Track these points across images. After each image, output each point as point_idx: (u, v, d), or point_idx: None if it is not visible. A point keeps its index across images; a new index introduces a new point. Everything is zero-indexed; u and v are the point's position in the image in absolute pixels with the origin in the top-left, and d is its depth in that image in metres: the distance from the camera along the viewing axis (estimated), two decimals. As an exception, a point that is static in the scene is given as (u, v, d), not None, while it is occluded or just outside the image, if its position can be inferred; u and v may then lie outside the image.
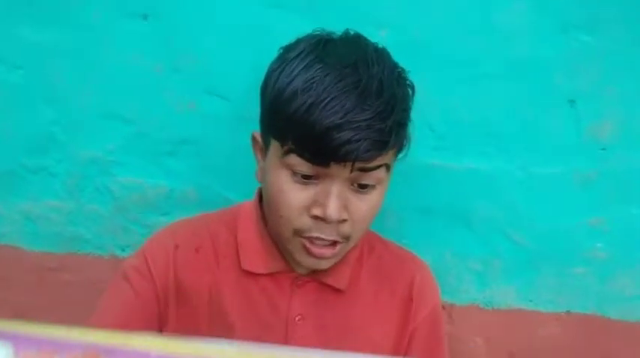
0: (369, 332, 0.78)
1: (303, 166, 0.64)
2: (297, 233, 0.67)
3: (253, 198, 0.79)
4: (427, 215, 0.96)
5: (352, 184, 0.66)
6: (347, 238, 0.68)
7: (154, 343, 0.41)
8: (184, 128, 0.94)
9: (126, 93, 0.93)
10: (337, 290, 0.77)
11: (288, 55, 0.67)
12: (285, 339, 0.74)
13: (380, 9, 0.87)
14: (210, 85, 0.92)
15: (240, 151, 0.93)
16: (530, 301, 0.99)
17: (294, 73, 0.64)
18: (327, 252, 0.68)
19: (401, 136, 0.67)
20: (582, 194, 0.92)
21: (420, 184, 0.93)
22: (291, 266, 0.75)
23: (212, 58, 0.91)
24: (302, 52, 0.66)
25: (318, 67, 0.63)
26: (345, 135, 0.60)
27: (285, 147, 0.64)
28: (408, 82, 0.70)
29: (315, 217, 0.65)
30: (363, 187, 0.66)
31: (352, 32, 0.71)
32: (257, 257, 0.75)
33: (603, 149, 0.90)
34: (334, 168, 0.63)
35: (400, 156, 0.71)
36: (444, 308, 1.00)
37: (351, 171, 0.63)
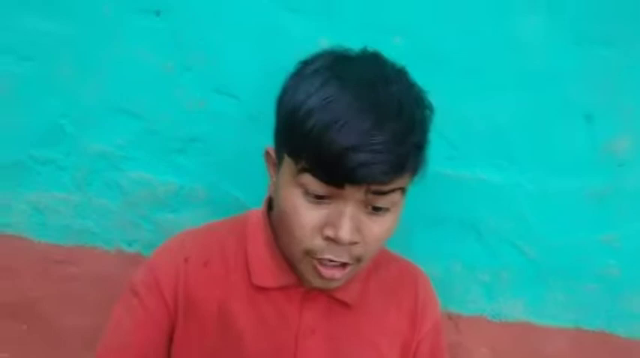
0: (378, 345, 0.78)
1: (316, 186, 0.62)
2: (309, 253, 0.66)
3: (262, 206, 0.77)
4: (437, 225, 0.95)
5: (366, 207, 0.64)
6: (358, 260, 0.66)
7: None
8: (194, 126, 0.94)
9: (136, 88, 0.93)
10: (346, 305, 0.76)
11: (305, 70, 0.65)
12: (295, 353, 0.74)
13: (394, 16, 0.85)
14: (221, 83, 0.91)
15: (249, 150, 0.92)
16: (539, 315, 0.98)
17: (311, 90, 0.62)
18: (337, 273, 0.66)
19: (418, 159, 0.65)
20: (596, 210, 0.91)
21: (430, 194, 0.91)
22: (301, 279, 0.74)
23: (223, 57, 0.90)
24: (319, 68, 0.64)
25: (336, 84, 0.61)
26: (362, 157, 0.58)
27: (299, 166, 0.62)
28: (426, 103, 0.67)
29: (327, 238, 0.63)
30: (377, 210, 0.64)
31: (370, 50, 0.68)
32: (267, 271, 0.73)
33: (620, 165, 0.88)
34: (348, 190, 0.61)
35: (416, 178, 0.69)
36: (450, 318, 0.99)
37: (366, 194, 0.61)
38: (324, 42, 0.83)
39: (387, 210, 0.65)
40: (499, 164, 0.90)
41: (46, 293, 1.04)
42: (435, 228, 0.95)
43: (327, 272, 0.65)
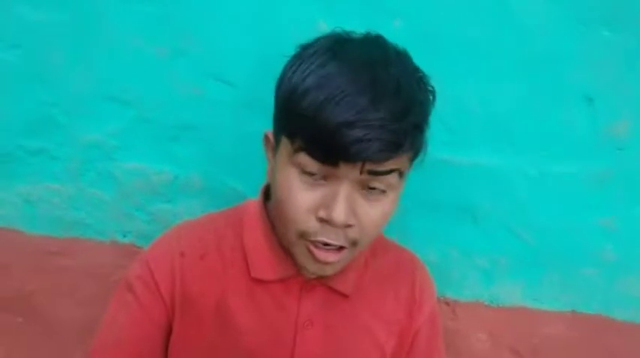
0: (375, 334, 0.77)
1: (312, 165, 0.61)
2: (303, 236, 0.65)
3: (258, 196, 0.76)
4: (434, 210, 0.94)
5: (362, 188, 0.63)
6: (354, 244, 0.65)
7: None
8: (189, 113, 0.92)
9: (128, 75, 0.91)
10: (343, 295, 0.75)
11: (304, 52, 0.64)
12: (294, 343, 0.73)
13: (393, -4, 0.84)
14: (216, 69, 0.90)
15: (245, 138, 0.91)
16: (536, 299, 0.98)
17: (309, 70, 0.61)
18: (332, 256, 0.65)
19: (416, 141, 0.63)
20: (594, 194, 0.91)
21: (427, 179, 0.90)
22: (299, 270, 0.73)
23: (217, 42, 0.88)
24: (319, 50, 0.63)
25: (334, 64, 0.61)
26: (357, 133, 0.57)
27: (295, 145, 0.62)
28: (428, 87, 0.67)
29: (322, 220, 0.62)
30: (373, 192, 0.63)
31: (373, 33, 0.67)
32: (266, 263, 0.73)
33: (620, 149, 0.88)
34: (344, 169, 0.60)
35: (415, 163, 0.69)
36: (447, 304, 1.00)
37: (361, 173, 0.60)
38: (322, 25, 0.82)
39: (383, 192, 0.64)
40: (497, 148, 0.90)
41: (40, 286, 1.02)
42: (431, 214, 0.94)
43: (321, 254, 0.64)
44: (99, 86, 0.91)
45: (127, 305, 0.72)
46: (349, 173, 0.60)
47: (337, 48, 0.63)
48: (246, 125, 0.91)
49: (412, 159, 0.66)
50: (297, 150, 0.62)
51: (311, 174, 0.62)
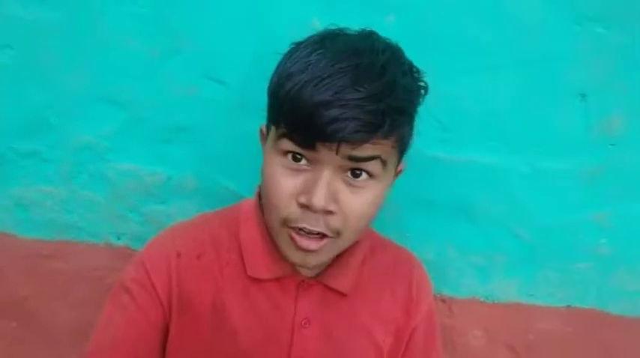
0: (372, 333, 0.77)
1: (293, 149, 0.62)
2: (285, 223, 0.65)
3: (254, 195, 0.76)
4: (429, 208, 0.94)
5: (344, 172, 0.63)
6: (337, 234, 0.65)
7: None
8: (182, 114, 0.92)
9: (121, 76, 0.90)
10: (340, 294, 0.75)
11: (296, 46, 0.65)
12: (291, 342, 0.73)
13: (387, -6, 0.84)
14: (209, 69, 0.89)
15: (238, 138, 0.91)
16: (531, 295, 0.99)
17: (296, 59, 0.62)
18: (313, 244, 0.64)
19: (398, 126, 0.62)
20: (587, 189, 0.91)
21: (423, 177, 0.91)
22: (296, 269, 0.73)
23: (210, 42, 0.88)
24: (309, 42, 0.64)
25: (320, 52, 0.61)
26: (333, 112, 0.57)
27: (279, 131, 0.63)
28: (419, 81, 0.67)
29: (303, 205, 0.62)
30: (356, 179, 0.63)
31: (367, 30, 0.68)
32: (262, 262, 0.72)
33: (612, 144, 0.89)
34: (323, 153, 0.60)
35: (403, 155, 0.69)
36: (444, 301, 1.00)
37: (337, 153, 0.60)
38: (316, 23, 0.82)
39: (366, 181, 0.63)
40: (492, 146, 0.90)
41: (34, 290, 1.02)
42: (427, 212, 0.95)
43: (302, 241, 0.64)
44: (91, 87, 0.91)
45: (123, 306, 0.71)
46: (329, 158, 0.61)
47: (327, 40, 0.64)
48: (240, 125, 0.90)
49: (398, 150, 0.66)
50: (280, 136, 0.62)
51: (295, 160, 0.62)
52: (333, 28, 0.67)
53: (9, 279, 1.01)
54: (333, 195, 0.62)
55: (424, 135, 0.89)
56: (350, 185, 0.63)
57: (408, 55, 0.68)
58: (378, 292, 0.79)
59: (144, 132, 0.93)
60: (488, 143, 0.90)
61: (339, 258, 0.75)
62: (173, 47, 0.88)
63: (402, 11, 0.84)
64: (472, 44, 0.85)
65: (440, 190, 0.93)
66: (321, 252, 0.66)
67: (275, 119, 0.64)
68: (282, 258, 0.71)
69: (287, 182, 0.63)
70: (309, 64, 0.60)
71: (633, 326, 0.98)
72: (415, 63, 0.68)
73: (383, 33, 0.67)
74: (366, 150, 0.61)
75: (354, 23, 0.68)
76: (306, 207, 0.62)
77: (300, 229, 0.63)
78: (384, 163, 0.63)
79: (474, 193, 0.93)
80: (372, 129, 0.59)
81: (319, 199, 0.60)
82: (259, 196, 0.75)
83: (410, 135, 0.68)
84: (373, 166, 0.63)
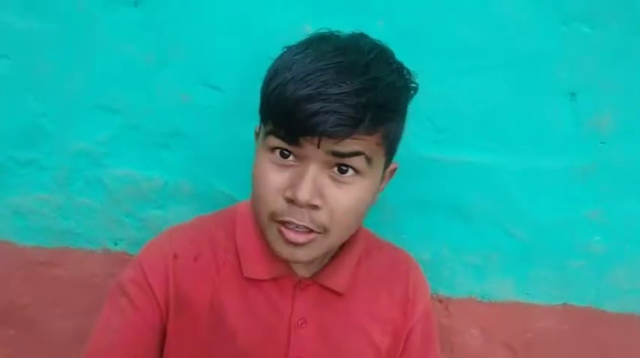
0: (370, 333, 0.78)
1: (279, 145, 0.63)
2: (273, 217, 0.65)
3: (250, 198, 0.76)
4: (425, 208, 0.95)
5: (330, 168, 0.64)
6: (324, 229, 0.65)
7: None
8: (177, 119, 0.93)
9: (116, 83, 0.91)
10: (337, 294, 0.76)
11: (287, 49, 0.67)
12: (288, 342, 0.73)
13: (377, -1, 0.85)
14: (203, 75, 0.90)
15: (234, 143, 0.92)
16: (527, 294, 0.99)
17: (283, 58, 0.64)
18: (300, 237, 0.65)
19: (381, 122, 0.62)
20: (581, 187, 0.92)
21: (417, 178, 0.92)
22: (292, 269, 0.74)
23: (204, 48, 0.89)
24: (299, 43, 0.66)
25: (307, 51, 0.63)
26: (315, 106, 0.58)
27: (267, 128, 0.64)
28: (409, 82, 0.68)
29: (289, 200, 0.63)
30: (342, 173, 0.64)
31: (358, 32, 0.69)
32: (258, 262, 0.73)
33: (602, 142, 0.89)
34: (307, 148, 0.61)
35: (391, 154, 0.69)
36: (441, 301, 1.00)
37: (319, 146, 0.60)
38: (308, 29, 0.83)
39: (352, 177, 0.64)
40: (485, 146, 0.91)
41: (32, 297, 1.02)
42: (423, 212, 0.95)
43: (289, 234, 0.65)
44: (87, 95, 0.92)
45: (120, 308, 0.72)
46: (314, 153, 0.62)
47: (315, 41, 0.65)
48: (235, 130, 0.91)
49: (384, 148, 0.66)
50: (268, 133, 0.64)
51: (283, 156, 0.64)
52: (324, 31, 0.68)
53: (7, 287, 1.01)
54: (319, 189, 0.63)
55: (418, 137, 0.90)
56: (336, 180, 0.64)
57: (400, 58, 0.68)
58: (375, 292, 0.79)
59: (140, 138, 0.94)
60: (481, 143, 0.91)
61: (334, 258, 0.76)
62: (167, 54, 0.89)
63: (392, 16, 0.85)
64: (462, 46, 0.86)
65: (435, 191, 0.93)
66: (309, 247, 0.66)
67: (263, 117, 0.66)
68: (277, 258, 0.71)
69: (274, 177, 0.64)
70: (294, 63, 0.61)
71: (629, 323, 0.99)
72: (407, 66, 0.68)
73: (374, 37, 0.68)
74: (348, 146, 0.61)
75: (345, 28, 0.69)
76: (292, 201, 0.63)
77: (287, 223, 0.64)
78: (368, 160, 0.64)
79: (468, 193, 0.93)
80: (352, 124, 0.59)
81: (304, 193, 0.61)
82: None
83: (398, 134, 0.68)
84: (358, 162, 0.63)
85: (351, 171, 0.64)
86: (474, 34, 0.86)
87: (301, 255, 0.67)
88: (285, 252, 0.67)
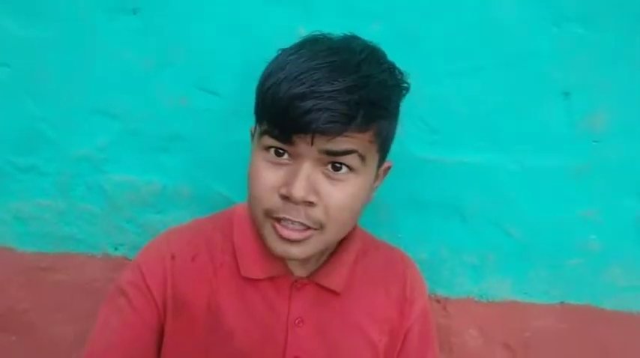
0: (367, 332, 0.78)
1: (273, 144, 0.64)
2: (268, 213, 0.66)
3: (247, 197, 0.78)
4: (421, 209, 0.96)
5: (324, 166, 0.64)
6: (320, 225, 0.66)
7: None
8: (176, 124, 0.94)
9: (115, 89, 0.92)
10: (334, 293, 0.76)
11: (281, 51, 0.68)
12: (285, 342, 0.74)
13: (372, 1, 0.86)
14: (201, 79, 0.91)
15: (232, 146, 0.93)
16: (525, 293, 0.99)
17: (277, 60, 0.66)
18: (295, 234, 0.65)
19: (373, 119, 0.63)
20: (575, 186, 0.93)
21: (414, 178, 0.93)
22: (289, 268, 0.75)
23: (203, 53, 0.90)
24: (293, 45, 0.67)
25: (300, 52, 0.64)
26: (307, 104, 0.59)
27: (262, 128, 0.65)
28: (401, 82, 0.69)
29: (284, 197, 0.64)
30: (336, 171, 0.65)
31: (351, 34, 0.70)
32: (255, 262, 0.74)
33: (596, 141, 0.90)
34: (302, 147, 0.62)
35: (385, 152, 0.70)
36: (439, 301, 1.01)
37: (312, 144, 0.61)
38: (303, 32, 0.84)
39: (346, 174, 0.65)
40: (480, 146, 0.92)
41: (33, 303, 1.03)
42: (420, 213, 0.96)
43: (284, 231, 0.65)
44: (86, 100, 0.93)
45: (119, 309, 0.72)
46: (308, 151, 0.63)
47: (308, 43, 0.66)
48: (233, 133, 0.92)
49: (377, 145, 0.67)
50: (263, 133, 0.65)
51: (277, 155, 0.65)
52: (317, 33, 0.69)
53: (8, 292, 1.02)
54: (313, 187, 0.64)
55: (414, 138, 0.91)
56: (330, 178, 0.65)
57: (395, 59, 0.69)
58: (372, 292, 0.80)
59: (139, 143, 0.95)
60: (476, 143, 0.92)
61: (330, 257, 0.77)
62: (165, 59, 0.91)
63: (386, 18, 0.87)
64: (457, 48, 0.88)
65: (431, 191, 0.94)
66: (305, 244, 0.67)
67: (258, 117, 0.67)
68: (274, 257, 0.72)
69: (269, 174, 0.65)
70: (288, 63, 0.63)
71: (627, 321, 0.99)
72: (402, 67, 0.70)
73: (369, 40, 0.69)
74: (341, 144, 0.62)
75: (340, 31, 0.70)
76: (286, 198, 0.64)
77: (282, 220, 0.65)
78: (362, 158, 0.65)
79: (464, 193, 0.94)
80: (345, 121, 0.60)
81: (299, 190, 0.62)
82: None
83: (391, 132, 0.69)
84: (351, 160, 0.64)
85: (345, 169, 0.65)
86: (469, 36, 0.87)
87: (296, 252, 0.67)
88: (280, 248, 0.67)
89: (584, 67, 0.88)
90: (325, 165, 0.65)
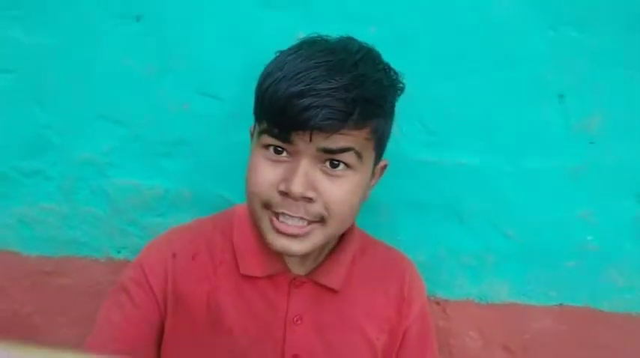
0: (365, 331, 0.79)
1: (272, 143, 0.66)
2: (266, 206, 0.68)
3: (245, 195, 0.79)
4: (420, 211, 0.96)
5: (323, 163, 0.66)
6: (321, 219, 0.67)
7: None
8: (178, 129, 0.95)
9: (119, 94, 0.94)
10: (332, 291, 0.77)
11: (280, 52, 0.70)
12: (284, 339, 0.75)
13: (369, 5, 0.88)
14: (203, 85, 0.93)
15: (233, 150, 0.94)
16: (524, 295, 1.00)
17: (275, 61, 0.67)
18: (295, 229, 0.67)
19: (369, 116, 0.65)
20: (572, 187, 0.93)
21: (411, 180, 0.94)
22: (288, 267, 0.76)
23: (204, 59, 0.92)
24: (291, 48, 0.69)
25: (298, 53, 0.66)
26: (305, 101, 0.61)
27: (261, 127, 0.67)
28: (397, 82, 0.70)
29: (283, 193, 0.66)
30: (333, 167, 0.66)
31: (346, 36, 0.72)
32: (254, 260, 0.75)
33: (591, 143, 0.91)
34: (300, 144, 0.64)
35: (381, 150, 0.71)
36: (438, 303, 1.01)
37: (310, 141, 0.63)
38: (301, 35, 0.85)
39: (344, 171, 0.66)
40: (477, 147, 0.93)
41: (37, 307, 1.03)
42: (418, 215, 0.97)
43: (281, 225, 0.67)
44: (90, 106, 0.94)
45: (120, 305, 0.74)
46: (306, 148, 0.64)
47: (305, 44, 0.68)
48: (234, 136, 0.93)
49: (373, 143, 0.68)
50: (262, 132, 0.67)
51: (276, 152, 0.66)
52: (315, 35, 0.71)
53: (13, 296, 1.03)
54: (312, 183, 0.65)
55: (411, 140, 0.92)
56: (328, 174, 0.66)
57: (392, 62, 0.71)
58: (371, 290, 0.81)
59: (142, 147, 0.96)
60: (473, 145, 0.93)
61: (329, 255, 0.78)
62: (167, 65, 0.92)
63: (383, 22, 0.88)
64: (453, 50, 0.89)
65: (429, 193, 0.95)
66: (305, 240, 0.68)
67: (257, 116, 0.69)
68: (273, 255, 0.73)
69: (268, 171, 0.67)
70: (286, 63, 0.65)
71: (626, 322, 0.99)
72: (399, 69, 0.71)
73: (365, 42, 0.71)
74: (338, 141, 0.64)
75: (338, 35, 0.72)
76: (285, 194, 0.65)
77: (281, 214, 0.66)
78: (358, 155, 0.66)
79: (462, 194, 0.95)
80: (342, 117, 0.62)
81: (297, 186, 0.64)
82: None
83: (386, 131, 0.71)
84: (348, 158, 0.66)
85: (342, 166, 0.66)
86: (465, 39, 0.89)
87: (296, 247, 0.68)
88: (279, 243, 0.68)
89: (580, 69, 0.89)
90: (323, 162, 0.66)
